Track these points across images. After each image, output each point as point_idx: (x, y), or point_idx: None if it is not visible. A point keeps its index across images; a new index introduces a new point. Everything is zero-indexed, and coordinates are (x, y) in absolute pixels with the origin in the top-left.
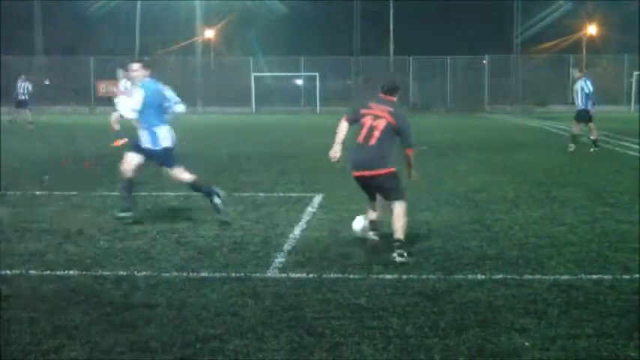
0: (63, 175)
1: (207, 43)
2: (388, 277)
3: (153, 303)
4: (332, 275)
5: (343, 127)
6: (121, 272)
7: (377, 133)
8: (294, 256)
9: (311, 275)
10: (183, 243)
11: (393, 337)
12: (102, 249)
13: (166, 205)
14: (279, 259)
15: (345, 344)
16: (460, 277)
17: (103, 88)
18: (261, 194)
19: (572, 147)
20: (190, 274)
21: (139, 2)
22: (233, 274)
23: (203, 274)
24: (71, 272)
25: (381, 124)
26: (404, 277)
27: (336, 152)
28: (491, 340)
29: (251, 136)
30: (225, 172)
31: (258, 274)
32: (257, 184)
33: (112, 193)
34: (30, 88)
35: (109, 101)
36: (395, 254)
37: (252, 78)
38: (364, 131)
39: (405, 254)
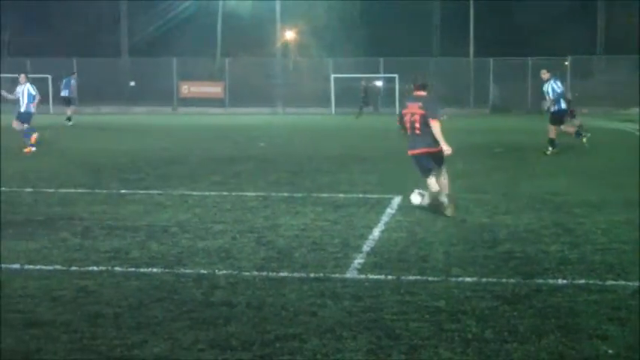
0: (147, 174)
1: (287, 45)
2: (467, 280)
3: (233, 301)
4: (410, 277)
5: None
6: (202, 270)
7: (417, 125)
8: (372, 258)
9: (389, 277)
10: (263, 243)
11: (472, 340)
12: (184, 247)
13: (246, 205)
14: (358, 261)
15: (423, 347)
16: (540, 281)
17: (185, 89)
18: (340, 195)
19: (550, 150)
20: (270, 273)
21: (220, 3)
22: (312, 275)
23: (282, 274)
24: (154, 270)
25: (417, 118)
26: (483, 280)
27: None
28: (572, 346)
29: (330, 137)
30: (303, 172)
31: (337, 275)
32: (336, 184)
33: (194, 193)
34: (74, 84)
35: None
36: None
37: (332, 79)
38: (409, 126)
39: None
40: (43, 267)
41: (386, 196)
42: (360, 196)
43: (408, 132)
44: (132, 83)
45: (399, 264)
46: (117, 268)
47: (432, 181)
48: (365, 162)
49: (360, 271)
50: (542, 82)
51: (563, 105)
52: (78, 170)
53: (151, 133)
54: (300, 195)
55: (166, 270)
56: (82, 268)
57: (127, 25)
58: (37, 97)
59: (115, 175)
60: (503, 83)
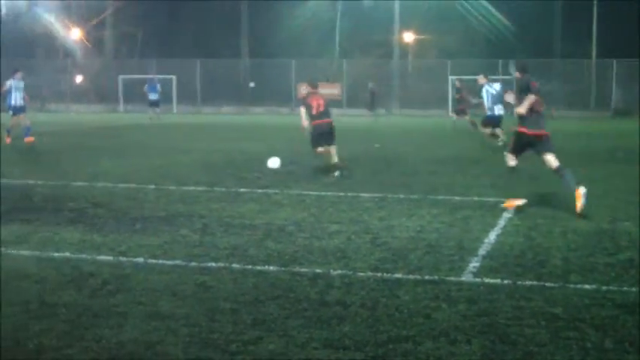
0: (264, 173)
1: (404, 46)
2: (586, 287)
3: (347, 301)
4: (527, 282)
5: None
6: (318, 270)
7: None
8: (488, 261)
9: (505, 281)
10: (378, 244)
11: (591, 349)
12: (300, 246)
13: (362, 205)
14: (474, 264)
15: (539, 353)
16: None
17: (303, 90)
18: (456, 198)
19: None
20: (384, 274)
21: (339, 4)
22: (427, 277)
23: (397, 276)
24: (271, 267)
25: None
26: (603, 288)
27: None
28: None
29: (447, 139)
30: (419, 174)
31: (452, 278)
32: (452, 187)
33: (311, 193)
34: (159, 88)
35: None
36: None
37: (450, 81)
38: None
39: None
40: (165, 262)
41: (503, 199)
42: (476, 199)
43: (529, 114)
44: (251, 84)
45: (516, 268)
46: (235, 265)
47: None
48: (481, 164)
49: (476, 274)
50: (479, 87)
51: (499, 111)
52: (198, 169)
53: (270, 133)
54: (415, 197)
55: (282, 268)
56: (201, 264)
57: (248, 27)
58: None
59: (234, 174)
60: (626, 86)
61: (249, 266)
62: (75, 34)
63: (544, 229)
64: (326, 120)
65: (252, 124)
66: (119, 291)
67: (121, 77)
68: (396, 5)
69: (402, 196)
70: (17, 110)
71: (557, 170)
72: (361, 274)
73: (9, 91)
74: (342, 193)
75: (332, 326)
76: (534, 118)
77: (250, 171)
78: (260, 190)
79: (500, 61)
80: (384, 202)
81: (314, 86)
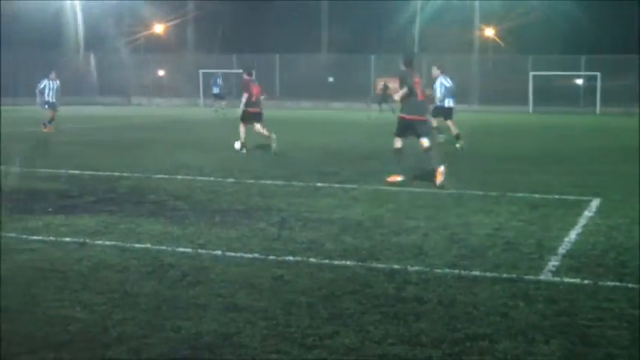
0: (342, 168)
1: (485, 41)
2: None
3: (424, 298)
4: (608, 283)
5: None
6: (395, 265)
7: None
8: (568, 261)
9: (585, 281)
10: (455, 240)
11: None
12: (377, 242)
13: (439, 202)
14: (553, 263)
15: (620, 356)
16: None
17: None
18: (536, 195)
19: (441, 138)
20: (461, 271)
21: (419, 2)
22: (504, 275)
23: (474, 273)
24: (347, 262)
25: None
26: None
27: None
28: None
29: (527, 136)
30: (498, 171)
31: (530, 277)
32: (531, 184)
33: (388, 188)
34: (220, 82)
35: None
36: None
37: (530, 77)
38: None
39: None
40: (243, 255)
41: (584, 198)
42: (557, 197)
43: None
44: (330, 79)
45: (596, 268)
46: (312, 259)
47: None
48: (562, 162)
49: (555, 273)
50: (433, 78)
51: (450, 101)
52: (276, 163)
53: (348, 128)
54: (494, 194)
55: (359, 263)
56: (278, 258)
57: (327, 22)
58: None
59: (312, 169)
60: None
61: (326, 261)
62: (158, 30)
63: (626, 229)
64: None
65: (332, 118)
66: (198, 283)
67: (201, 71)
68: (476, 2)
69: (480, 192)
70: (51, 105)
71: (426, 150)
72: (438, 270)
73: (44, 89)
74: (419, 190)
75: (408, 322)
76: (412, 105)
77: (328, 165)
78: (337, 185)
79: (583, 57)
80: (462, 198)
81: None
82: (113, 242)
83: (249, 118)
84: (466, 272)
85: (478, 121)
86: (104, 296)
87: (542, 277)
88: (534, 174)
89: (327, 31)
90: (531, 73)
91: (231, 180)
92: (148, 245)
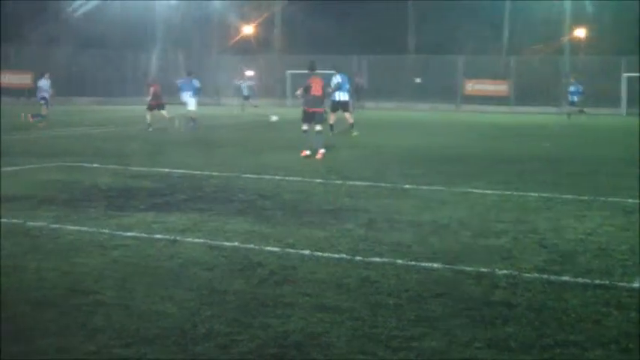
0: (430, 170)
1: (576, 42)
2: None
3: (512, 302)
4: None
5: None
6: (482, 269)
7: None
8: None
9: None
10: (545, 245)
11: None
12: (464, 244)
13: (528, 205)
14: None
15: None
16: None
17: (470, 86)
18: (629, 200)
19: (355, 133)
20: (551, 276)
21: (507, 3)
22: (596, 281)
23: (564, 278)
24: (435, 265)
25: None
26: None
27: None
28: None
29: (619, 139)
30: (589, 174)
31: (623, 284)
32: (624, 189)
33: (475, 191)
34: (250, 84)
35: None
36: None
37: (623, 79)
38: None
39: None
40: (330, 255)
41: None
42: None
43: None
44: (417, 80)
45: None
46: (399, 261)
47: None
48: None
49: None
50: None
51: (341, 97)
52: (364, 164)
53: (435, 129)
54: (585, 198)
55: (446, 266)
56: (365, 259)
57: (415, 22)
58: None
59: (399, 170)
60: None
61: (413, 262)
62: (246, 31)
63: None
64: None
65: (418, 120)
66: (286, 282)
67: (288, 72)
68: (567, 2)
69: (570, 196)
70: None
71: (318, 132)
72: (527, 275)
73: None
74: (508, 192)
75: (496, 327)
76: (312, 100)
77: (415, 167)
78: (425, 187)
79: None
80: (552, 202)
81: None
82: (202, 240)
83: (306, 117)
84: (556, 277)
85: (568, 122)
86: (193, 293)
87: (636, 285)
88: (628, 178)
89: (415, 32)
90: (624, 75)
91: (319, 180)
92: (237, 243)
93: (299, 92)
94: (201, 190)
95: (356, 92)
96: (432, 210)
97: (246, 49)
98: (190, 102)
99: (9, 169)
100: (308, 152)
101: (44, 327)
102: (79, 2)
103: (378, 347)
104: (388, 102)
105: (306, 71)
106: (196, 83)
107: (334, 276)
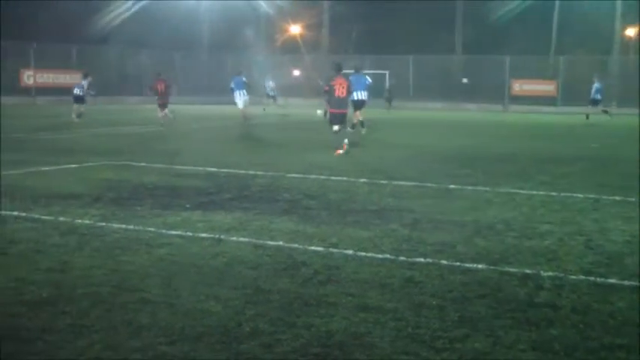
0: (475, 170)
1: (626, 42)
2: None
3: (557, 304)
4: None
5: None
6: (527, 270)
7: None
8: None
9: None
10: (591, 246)
11: None
12: (509, 245)
13: (575, 206)
14: None
15: None
16: None
17: (517, 86)
18: None
19: (363, 131)
20: (597, 279)
21: (557, 2)
22: None
23: (611, 281)
24: (479, 266)
25: None
26: None
27: None
28: None
29: None
30: (637, 176)
31: None
32: None
33: (521, 191)
34: (272, 85)
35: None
36: None
37: None
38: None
39: None
40: (374, 255)
41: None
42: None
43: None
44: (464, 80)
45: None
46: (443, 261)
47: None
48: None
49: None
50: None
51: (359, 96)
52: (409, 164)
53: (481, 130)
54: (633, 199)
55: (491, 267)
56: (409, 259)
57: (462, 23)
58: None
59: (444, 171)
60: None
61: (457, 263)
62: (294, 31)
63: None
64: None
65: (465, 120)
66: (329, 281)
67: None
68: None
69: (618, 198)
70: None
71: (345, 132)
72: (573, 277)
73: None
74: (554, 193)
75: (540, 329)
76: (337, 101)
77: (461, 167)
78: (470, 187)
79: None
80: (599, 203)
81: None
82: (247, 239)
83: (334, 119)
84: (602, 280)
85: (617, 123)
86: (238, 291)
87: None
88: None
89: (462, 32)
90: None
91: (363, 180)
92: (281, 243)
93: (326, 88)
94: (246, 189)
95: (388, 92)
96: (476, 210)
97: (295, 49)
98: (240, 101)
99: (58, 167)
100: (341, 151)
101: (91, 324)
102: (130, 2)
103: (422, 348)
104: (436, 102)
105: (352, 71)
106: (244, 81)
107: (378, 276)
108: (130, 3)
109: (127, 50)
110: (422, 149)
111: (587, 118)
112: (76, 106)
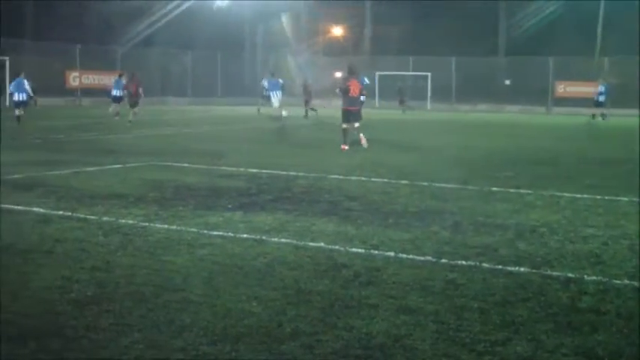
0: (518, 173)
1: None
2: None
3: (601, 309)
4: None
5: None
6: (570, 274)
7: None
8: None
9: None
10: (636, 250)
11: None
12: (552, 249)
13: (620, 210)
14: None
15: None
16: None
17: (561, 88)
18: None
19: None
20: None
21: (602, 2)
22: None
23: None
24: (521, 269)
25: None
26: None
27: None
28: None
29: None
30: None
31: None
32: None
33: (565, 194)
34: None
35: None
36: None
37: None
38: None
39: None
40: (415, 257)
41: None
42: None
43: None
44: (507, 82)
45: None
46: (484, 264)
47: None
48: None
49: None
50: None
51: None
52: (451, 166)
53: (524, 132)
54: None
55: (533, 270)
56: (451, 261)
57: (505, 24)
58: None
59: (486, 173)
60: None
61: (499, 266)
62: (336, 32)
63: None
64: None
65: (507, 122)
66: (370, 283)
67: (377, 73)
68: None
69: None
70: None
71: (357, 128)
72: (617, 281)
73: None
74: (598, 196)
75: (584, 334)
76: (350, 100)
77: (503, 170)
78: (512, 190)
79: None
80: None
81: None
82: (288, 240)
83: (346, 116)
84: None
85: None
86: (279, 292)
87: None
88: None
89: (505, 34)
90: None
91: (404, 182)
92: (322, 244)
93: (338, 91)
94: (287, 191)
95: (399, 94)
96: (519, 213)
97: (337, 51)
98: (275, 100)
99: (102, 168)
100: (346, 147)
101: (134, 323)
102: (174, 3)
103: (462, 351)
104: (479, 104)
105: (396, 72)
106: (280, 82)
107: (419, 278)
108: (174, 4)
109: (170, 51)
110: (464, 151)
111: (593, 118)
112: (115, 105)
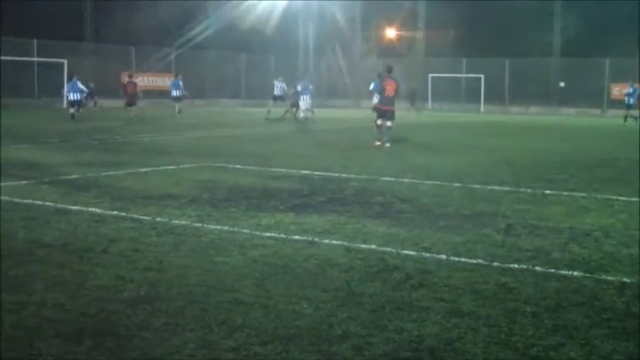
0: (572, 175)
1: None
2: None
3: None
4: None
5: None
6: (625, 279)
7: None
8: None
9: None
10: None
11: None
12: (606, 253)
13: None
14: None
15: None
16: None
17: (617, 90)
18: None
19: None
20: None
21: None
22: None
23: None
24: (575, 273)
25: None
26: None
27: None
28: None
29: None
30: None
31: None
32: None
33: (620, 198)
34: (282, 85)
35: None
36: None
37: None
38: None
39: None
40: (467, 260)
41: None
42: None
43: None
44: (561, 84)
45: None
46: (537, 268)
47: None
48: None
49: None
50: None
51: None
52: (504, 168)
53: (579, 134)
54: None
55: (587, 274)
56: (503, 265)
57: (560, 25)
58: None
59: (540, 175)
60: None
61: (552, 270)
62: (390, 34)
63: None
64: None
65: (561, 124)
66: (421, 286)
67: (430, 75)
68: None
69: None
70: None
71: (388, 128)
72: None
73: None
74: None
75: (639, 340)
76: (386, 100)
77: (557, 172)
78: (566, 193)
79: None
80: None
81: None
82: (340, 242)
83: (381, 113)
84: None
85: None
86: (330, 294)
87: None
88: None
89: (560, 35)
90: None
91: (457, 184)
92: (374, 246)
93: (372, 88)
94: (339, 192)
95: (410, 96)
96: (572, 217)
97: (391, 52)
98: (303, 104)
99: (156, 168)
100: (379, 143)
101: (186, 322)
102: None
103: (515, 355)
104: (533, 106)
105: (447, 75)
106: (309, 87)
107: (471, 281)
108: (228, 7)
109: (224, 53)
110: (517, 153)
111: (625, 120)
112: (175, 104)
